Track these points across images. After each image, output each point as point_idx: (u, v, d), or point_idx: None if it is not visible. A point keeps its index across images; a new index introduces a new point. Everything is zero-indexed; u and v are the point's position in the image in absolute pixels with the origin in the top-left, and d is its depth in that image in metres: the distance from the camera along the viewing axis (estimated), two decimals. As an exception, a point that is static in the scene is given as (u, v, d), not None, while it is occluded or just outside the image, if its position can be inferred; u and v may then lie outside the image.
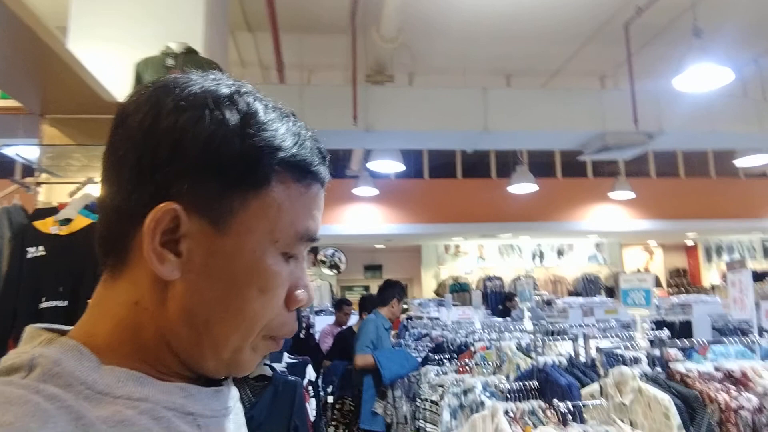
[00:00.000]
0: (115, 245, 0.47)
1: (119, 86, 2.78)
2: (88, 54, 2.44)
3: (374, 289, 11.94)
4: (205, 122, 0.45)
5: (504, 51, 6.59)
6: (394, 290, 4.02)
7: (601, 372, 2.02)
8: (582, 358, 2.45)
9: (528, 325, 3.30)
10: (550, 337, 2.65)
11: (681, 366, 2.12)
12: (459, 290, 10.68)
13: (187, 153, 0.45)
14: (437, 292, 11.20)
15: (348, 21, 5.57)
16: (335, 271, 11.59)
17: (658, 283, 10.82)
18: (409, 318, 6.29)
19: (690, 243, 13.16)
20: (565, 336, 2.59)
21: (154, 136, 0.45)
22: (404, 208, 9.83)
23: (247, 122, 0.47)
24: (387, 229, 9.75)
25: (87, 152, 2.78)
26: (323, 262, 11.46)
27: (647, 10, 5.35)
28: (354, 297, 11.94)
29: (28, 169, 2.85)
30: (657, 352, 2.14)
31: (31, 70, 2.31)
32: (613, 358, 2.26)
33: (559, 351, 2.73)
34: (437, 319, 5.76)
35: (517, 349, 2.84)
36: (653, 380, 1.99)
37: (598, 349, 2.05)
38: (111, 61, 2.91)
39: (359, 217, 9.54)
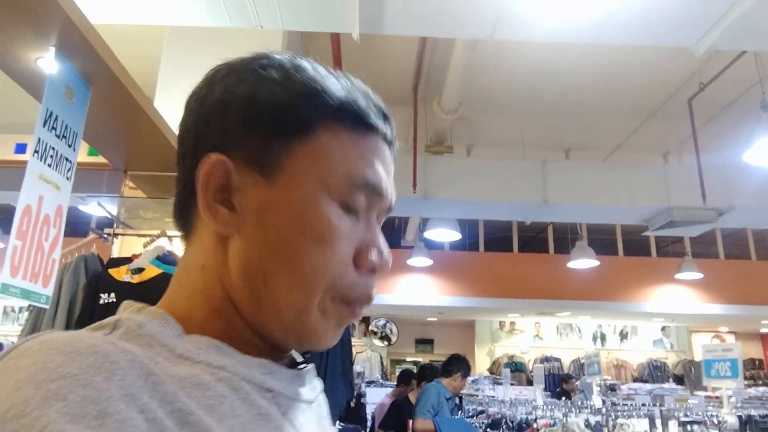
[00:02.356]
0: (183, 213, 0.50)
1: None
2: (172, 112, 2.60)
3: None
4: (250, 80, 0.47)
5: (563, 125, 6.62)
6: (460, 364, 3.91)
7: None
8: (660, 439, 2.25)
9: (597, 401, 3.08)
10: (622, 414, 2.46)
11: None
12: (514, 369, 10.22)
13: (233, 110, 0.47)
14: (491, 371, 10.75)
15: (410, 93, 5.77)
16: (386, 343, 11.37)
17: (731, 374, 10.00)
18: (460, 397, 6.03)
19: (766, 331, 12.24)
20: (639, 414, 2.40)
21: (207, 103, 0.48)
22: (458, 281, 9.68)
23: (289, 75, 0.47)
24: (440, 301, 9.58)
25: (161, 206, 2.91)
26: (374, 333, 11.29)
27: (711, 84, 5.29)
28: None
29: (104, 224, 3.00)
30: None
31: (120, 128, 2.48)
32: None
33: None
34: (492, 397, 5.50)
35: (585, 426, 2.65)
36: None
37: (681, 423, 1.87)
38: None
39: (412, 288, 9.43)
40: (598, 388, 3.50)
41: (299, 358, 0.53)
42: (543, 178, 5.75)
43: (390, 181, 0.51)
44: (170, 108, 2.72)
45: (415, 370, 5.50)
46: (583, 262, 7.64)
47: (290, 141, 0.46)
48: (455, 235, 6.37)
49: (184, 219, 0.50)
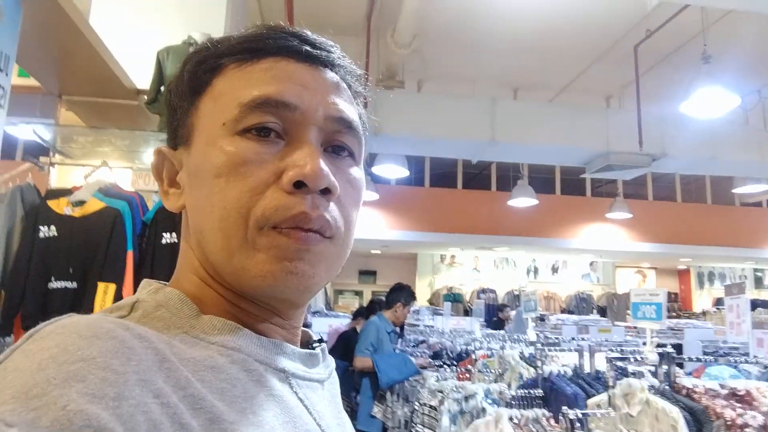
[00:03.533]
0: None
1: (139, 73, 2.78)
2: (109, 39, 2.44)
3: (367, 295, 11.96)
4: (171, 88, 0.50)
5: (513, 64, 6.64)
6: (401, 294, 4.01)
7: (610, 383, 2.03)
8: (586, 371, 2.46)
9: (532, 335, 3.31)
10: (554, 348, 2.66)
11: (687, 381, 2.14)
12: (453, 300, 10.68)
13: (169, 109, 0.50)
14: (431, 302, 11.20)
15: (363, 24, 5.60)
16: (329, 275, 11.54)
17: (649, 306, 10.85)
18: (401, 326, 6.28)
19: (683, 268, 13.25)
20: (571, 348, 2.60)
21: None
22: (403, 215, 9.85)
23: (193, 52, 0.50)
24: (385, 234, 9.76)
25: (101, 136, 2.77)
26: (318, 265, 11.42)
27: (657, 33, 5.41)
28: (346, 301, 11.93)
29: (38, 151, 2.84)
30: (665, 367, 2.15)
31: (53, 48, 2.30)
32: (618, 371, 2.27)
33: (562, 363, 2.74)
34: (432, 327, 5.76)
35: (520, 358, 2.85)
36: (660, 393, 2.01)
37: (608, 359, 2.06)
38: (132, 47, 2.91)
39: (358, 221, 9.51)
40: (533, 323, 3.75)
41: (315, 338, 0.55)
42: (492, 116, 5.82)
43: (313, 93, 0.46)
44: (107, 31, 2.53)
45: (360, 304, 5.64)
46: (523, 200, 7.92)
47: (194, 102, 0.47)
48: (403, 172, 6.43)
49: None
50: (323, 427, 0.46)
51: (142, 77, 2.76)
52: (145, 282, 0.48)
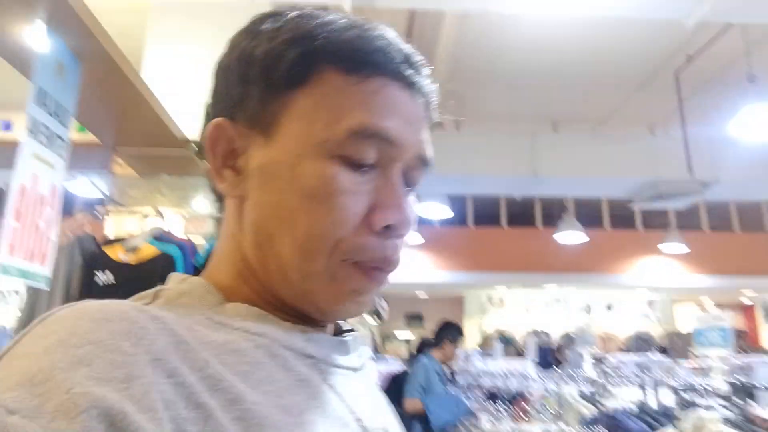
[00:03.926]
0: (213, 187, 0.49)
1: (188, 122, 2.91)
2: (160, 91, 2.57)
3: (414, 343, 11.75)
4: (248, 40, 0.46)
5: (551, 98, 6.62)
6: (448, 331, 3.93)
7: (678, 415, 1.90)
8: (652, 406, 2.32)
9: (590, 371, 3.15)
10: (615, 384, 2.52)
11: (762, 412, 1.98)
12: (505, 343, 10.36)
13: (233, 72, 0.46)
14: (481, 345, 10.90)
15: (398, 69, 5.71)
16: (377, 319, 11.45)
17: (713, 343, 10.24)
18: (452, 372, 6.12)
19: (747, 303, 12.52)
20: (633, 382, 2.46)
21: (218, 70, 0.49)
22: (448, 256, 9.75)
23: (281, 25, 0.45)
24: (430, 276, 9.65)
25: (153, 184, 2.89)
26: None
27: (698, 57, 5.31)
28: (394, 347, 11.74)
29: (92, 204, 2.97)
30: (736, 399, 2.01)
31: (110, 104, 2.44)
32: (686, 405, 2.12)
33: (623, 400, 2.59)
34: (484, 370, 5.58)
35: (580, 396, 2.72)
36: (735, 425, 1.86)
37: (675, 391, 1.93)
38: (181, 98, 3.05)
39: (403, 265, 9.47)
40: (592, 359, 3.58)
41: (347, 326, 0.53)
42: (532, 151, 5.78)
43: (412, 129, 0.45)
44: (157, 83, 2.67)
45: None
46: (571, 235, 7.71)
47: (284, 94, 0.44)
48: (447, 212, 6.40)
49: (215, 191, 0.50)
50: (357, 414, 0.44)
51: (190, 126, 2.89)
52: (173, 275, 0.47)
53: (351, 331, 0.52)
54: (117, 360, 0.30)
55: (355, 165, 0.43)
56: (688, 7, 2.58)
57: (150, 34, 3.53)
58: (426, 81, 0.47)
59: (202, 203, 3.09)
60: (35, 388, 0.28)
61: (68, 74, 1.87)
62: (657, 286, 10.38)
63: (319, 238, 0.42)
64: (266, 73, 0.44)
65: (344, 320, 0.48)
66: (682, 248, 8.59)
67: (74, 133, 3.16)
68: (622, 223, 10.58)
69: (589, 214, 10.11)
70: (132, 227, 2.77)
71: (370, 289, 0.45)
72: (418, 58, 0.47)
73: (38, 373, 0.28)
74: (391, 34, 0.46)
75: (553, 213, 9.76)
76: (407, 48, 0.46)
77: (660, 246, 8.77)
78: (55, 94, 1.78)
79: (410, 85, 0.45)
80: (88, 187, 2.79)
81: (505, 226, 10.56)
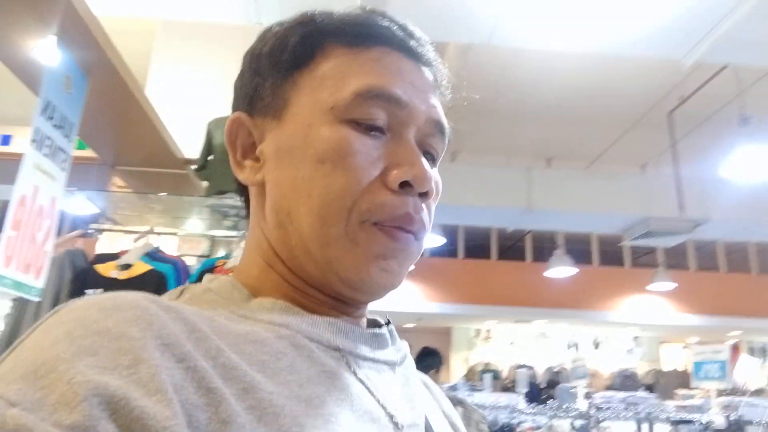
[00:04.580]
0: (239, 181, 0.50)
1: (187, 142, 2.91)
2: (161, 110, 2.57)
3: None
4: (256, 44, 0.48)
5: (547, 134, 6.73)
6: (432, 360, 3.85)
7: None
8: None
9: (583, 405, 3.11)
10: (608, 417, 2.49)
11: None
12: (492, 377, 10.26)
13: (249, 68, 0.48)
14: (467, 378, 10.79)
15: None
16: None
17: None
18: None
19: (733, 343, 12.56)
20: (626, 417, 2.43)
21: (234, 86, 0.50)
22: (437, 287, 9.71)
23: (284, 22, 0.48)
24: (419, 307, 9.59)
25: (149, 203, 2.86)
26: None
27: (691, 98, 5.44)
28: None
29: (87, 221, 2.93)
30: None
31: (112, 119, 2.44)
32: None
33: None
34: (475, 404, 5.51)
35: (572, 429, 2.68)
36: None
37: (672, 422, 1.91)
38: (182, 118, 3.06)
39: (391, 294, 9.41)
40: (584, 392, 3.54)
41: (382, 321, 0.51)
42: (527, 184, 5.82)
43: (420, 94, 0.45)
44: (159, 104, 2.68)
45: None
46: (561, 270, 7.74)
47: (292, 75, 0.45)
48: (439, 240, 6.40)
49: (240, 186, 0.51)
50: (389, 410, 0.41)
51: (189, 147, 2.88)
52: (205, 276, 0.47)
53: (388, 324, 0.50)
54: (123, 346, 0.30)
55: (366, 127, 0.43)
56: (686, 47, 2.65)
57: (155, 56, 3.55)
58: (431, 54, 0.48)
59: (197, 223, 3.07)
60: (39, 380, 0.27)
61: (75, 88, 1.86)
62: (644, 323, 10.40)
63: (335, 201, 0.41)
64: (274, 61, 0.46)
65: (374, 293, 0.44)
66: (670, 286, 8.64)
67: (74, 149, 3.14)
68: (611, 260, 10.65)
69: (578, 251, 10.17)
70: (126, 245, 2.73)
71: (395, 253, 0.43)
72: (422, 34, 0.48)
73: (42, 365, 0.28)
74: (392, 15, 0.47)
75: (544, 247, 9.81)
76: (413, 29, 0.48)
77: (648, 285, 8.82)
78: (62, 107, 1.77)
79: (414, 54, 0.47)
80: (83, 203, 2.76)
81: (496, 259, 10.58)
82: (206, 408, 0.30)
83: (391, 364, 0.46)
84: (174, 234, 2.95)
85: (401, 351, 0.49)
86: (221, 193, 2.59)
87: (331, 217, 0.42)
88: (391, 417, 0.41)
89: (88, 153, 2.82)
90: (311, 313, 0.43)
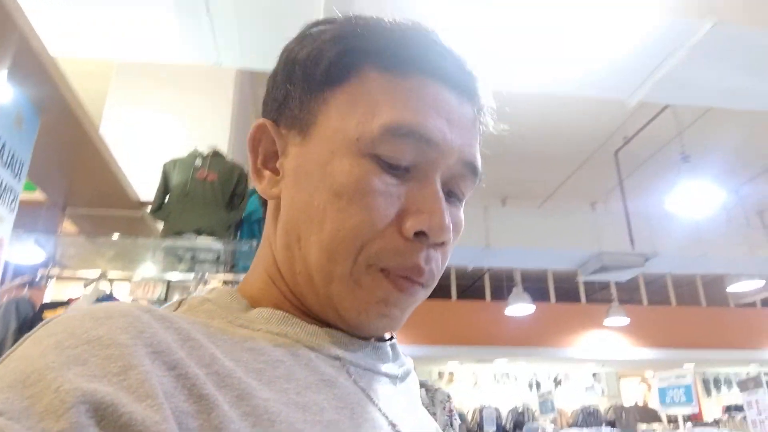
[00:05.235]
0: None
1: (143, 184, 2.84)
2: (117, 151, 2.51)
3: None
4: (294, 45, 0.46)
5: (500, 174, 6.90)
6: None
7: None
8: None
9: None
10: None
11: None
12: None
13: (279, 76, 0.46)
14: (431, 422, 10.59)
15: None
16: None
17: (657, 418, 10.36)
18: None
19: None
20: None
21: (267, 84, 0.48)
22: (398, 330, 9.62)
23: (325, 28, 0.44)
24: (381, 351, 9.46)
25: (101, 247, 2.76)
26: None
27: (635, 138, 5.72)
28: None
29: (35, 266, 2.80)
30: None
31: (64, 158, 2.36)
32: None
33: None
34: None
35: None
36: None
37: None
38: (137, 159, 2.99)
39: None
40: (552, 426, 3.52)
41: (386, 336, 0.49)
42: (485, 222, 5.93)
43: (456, 131, 0.42)
44: (114, 145, 2.62)
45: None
46: (520, 307, 7.83)
47: (323, 92, 0.42)
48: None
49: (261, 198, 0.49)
50: (391, 418, 0.40)
51: (145, 188, 2.81)
52: (209, 286, 0.46)
53: (391, 339, 0.49)
54: (113, 354, 0.29)
55: (390, 166, 0.40)
56: (630, 87, 2.80)
57: (110, 97, 3.50)
58: (477, 86, 0.45)
59: (152, 267, 2.96)
60: (27, 389, 0.27)
61: (26, 126, 1.80)
62: (602, 359, 10.55)
63: (345, 239, 0.40)
64: (307, 73, 0.43)
65: (371, 334, 0.43)
66: (624, 321, 8.85)
67: (22, 193, 3.02)
68: (568, 296, 10.86)
69: (536, 288, 10.34)
70: (76, 292, 2.61)
71: (398, 302, 0.41)
72: (469, 63, 0.45)
73: (31, 375, 0.28)
74: (438, 37, 0.44)
75: (502, 286, 9.92)
76: (457, 52, 0.44)
77: (603, 320, 9.01)
78: (11, 145, 1.70)
79: (457, 86, 0.43)
80: (31, 247, 2.63)
81: (456, 299, 10.61)
82: (197, 415, 0.30)
83: (393, 378, 0.45)
84: (127, 279, 2.84)
85: (404, 366, 0.48)
86: (178, 233, 2.53)
87: (339, 254, 0.40)
88: (393, 426, 0.40)
89: (36, 195, 2.71)
90: (310, 323, 0.42)
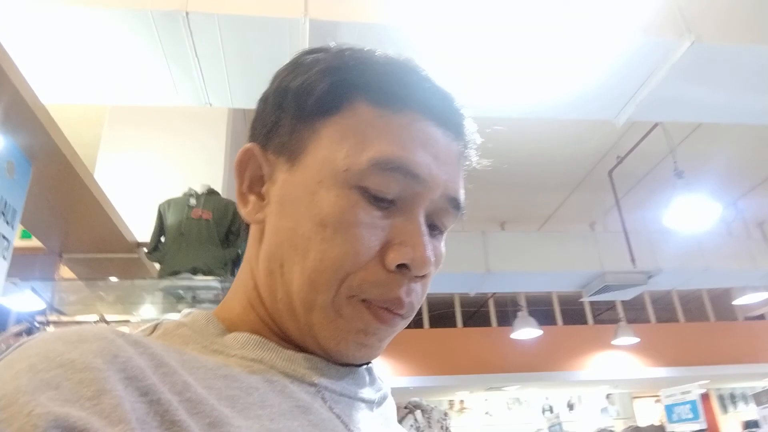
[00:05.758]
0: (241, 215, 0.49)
1: (139, 225, 2.86)
2: (112, 194, 2.54)
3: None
4: (287, 72, 0.46)
5: (497, 199, 6.93)
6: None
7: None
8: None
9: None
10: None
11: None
12: (468, 450, 9.91)
13: (269, 102, 0.47)
14: (443, 454, 10.38)
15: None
16: None
17: (676, 438, 10.16)
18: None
19: (702, 391, 12.64)
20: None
21: (256, 108, 0.49)
22: (405, 360, 9.51)
23: (319, 57, 0.45)
24: (389, 382, 9.32)
25: (98, 290, 2.77)
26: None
27: (628, 157, 5.75)
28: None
29: (31, 316, 2.79)
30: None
31: (59, 205, 2.38)
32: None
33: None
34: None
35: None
36: None
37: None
38: (133, 201, 3.02)
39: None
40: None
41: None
42: (484, 247, 5.92)
43: (442, 167, 0.43)
44: (109, 189, 2.65)
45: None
46: (526, 332, 7.75)
47: (313, 122, 0.43)
48: (402, 311, 6.36)
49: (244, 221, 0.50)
50: None
51: (141, 229, 2.83)
52: (183, 310, 0.46)
53: (368, 364, 0.49)
54: (86, 378, 0.29)
55: (376, 198, 0.41)
56: (615, 108, 2.83)
57: (104, 141, 3.55)
58: (464, 124, 0.47)
59: (150, 309, 2.96)
60: None
61: (18, 174, 1.83)
62: (614, 379, 10.39)
63: (328, 270, 0.40)
64: (299, 102, 0.44)
65: (349, 363, 0.44)
66: (633, 341, 8.74)
67: (18, 240, 3.04)
68: (574, 318, 10.76)
69: (541, 311, 10.26)
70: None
71: (377, 332, 0.42)
72: (457, 101, 0.46)
73: (2, 398, 0.27)
74: (429, 74, 0.45)
75: (507, 311, 9.85)
76: (446, 89, 0.46)
77: (612, 340, 8.91)
78: (3, 194, 1.73)
79: (445, 123, 0.45)
80: (28, 295, 2.64)
81: (461, 327, 10.52)
82: None
83: (369, 403, 0.45)
84: (126, 321, 2.84)
85: (381, 391, 0.48)
86: (174, 273, 2.53)
87: (321, 284, 0.41)
88: None
89: (33, 242, 2.72)
90: (286, 348, 0.42)
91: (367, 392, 0.46)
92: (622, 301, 9.89)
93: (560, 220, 7.55)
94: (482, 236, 6.05)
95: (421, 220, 0.43)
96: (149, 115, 3.39)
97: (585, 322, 10.88)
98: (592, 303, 10.39)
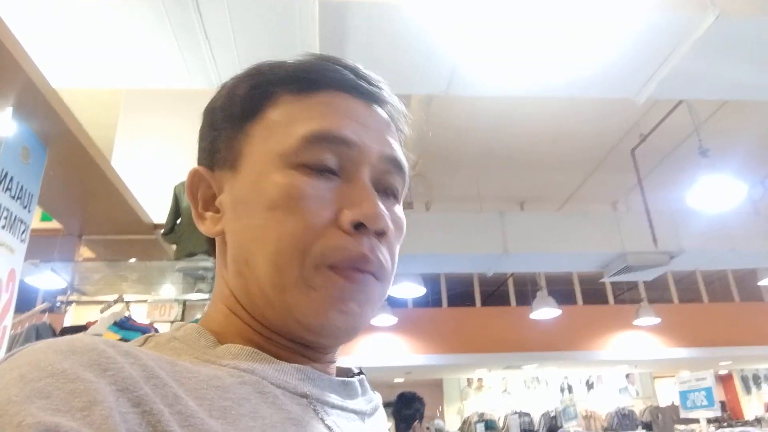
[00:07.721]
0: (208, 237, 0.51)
1: (155, 207, 2.89)
2: (128, 177, 2.57)
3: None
4: (212, 100, 0.50)
5: (516, 179, 6.86)
6: (416, 408, 3.65)
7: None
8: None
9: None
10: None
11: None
12: (486, 428, 10.00)
13: (204, 128, 0.49)
14: (462, 430, 10.49)
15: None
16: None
17: (695, 419, 10.07)
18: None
19: (724, 373, 12.49)
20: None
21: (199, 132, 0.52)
22: (424, 338, 9.57)
23: (236, 77, 0.48)
24: (407, 360, 9.41)
25: (117, 270, 2.82)
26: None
27: (651, 135, 5.62)
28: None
29: (54, 295, 2.87)
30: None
31: (77, 189, 2.42)
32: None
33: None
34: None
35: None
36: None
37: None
38: (149, 184, 3.05)
39: (378, 348, 9.26)
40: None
41: (355, 370, 0.51)
42: (502, 228, 5.87)
43: (371, 132, 0.46)
44: (125, 172, 2.68)
45: None
46: (545, 311, 7.71)
47: (243, 127, 0.46)
48: (420, 290, 6.36)
49: (209, 240, 0.51)
50: None
51: (157, 211, 2.87)
52: (174, 324, 0.46)
53: (360, 374, 0.50)
54: (77, 389, 0.29)
55: (316, 171, 0.43)
56: (636, 85, 2.75)
57: (121, 124, 3.58)
58: (384, 93, 0.49)
59: (169, 288, 3.01)
60: None
61: (33, 159, 1.85)
62: (634, 359, 10.32)
63: (287, 247, 0.41)
64: (226, 114, 0.47)
65: (335, 337, 0.43)
66: (655, 321, 8.64)
67: (38, 222, 3.12)
68: (595, 298, 10.68)
69: (561, 291, 10.19)
70: (94, 315, 2.66)
71: (353, 295, 0.42)
72: (373, 75, 0.49)
73: None
74: (341, 60, 0.48)
75: (527, 290, 9.81)
76: (363, 70, 0.48)
77: (633, 320, 8.82)
78: (19, 178, 1.76)
79: (365, 94, 0.47)
80: (49, 276, 2.70)
81: (480, 306, 10.52)
82: None
83: (361, 414, 0.45)
84: (144, 301, 2.90)
85: (372, 402, 0.48)
86: (190, 255, 2.56)
87: (285, 263, 0.41)
88: None
89: (53, 224, 2.78)
90: (278, 359, 0.43)
91: (359, 403, 0.46)
92: (645, 281, 9.75)
93: (581, 200, 7.44)
94: (500, 216, 5.99)
95: (366, 181, 0.44)
96: (164, 99, 3.41)
97: (606, 302, 10.79)
98: (613, 283, 10.28)
